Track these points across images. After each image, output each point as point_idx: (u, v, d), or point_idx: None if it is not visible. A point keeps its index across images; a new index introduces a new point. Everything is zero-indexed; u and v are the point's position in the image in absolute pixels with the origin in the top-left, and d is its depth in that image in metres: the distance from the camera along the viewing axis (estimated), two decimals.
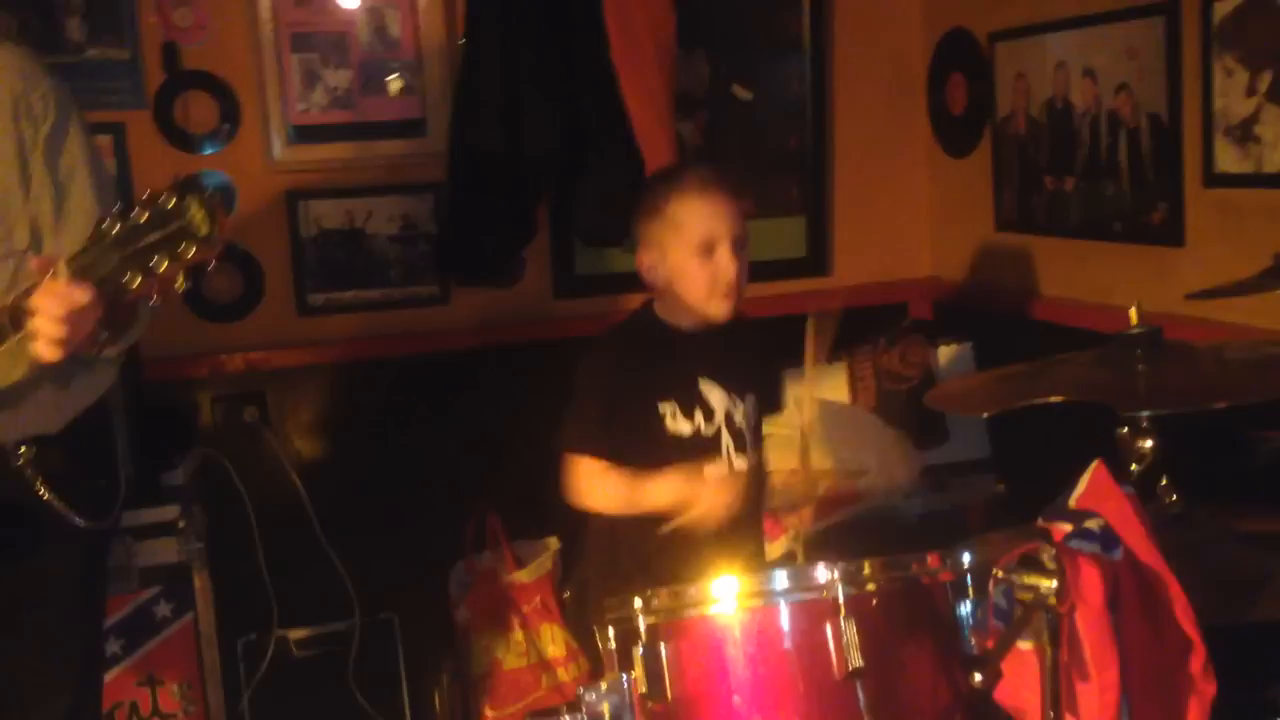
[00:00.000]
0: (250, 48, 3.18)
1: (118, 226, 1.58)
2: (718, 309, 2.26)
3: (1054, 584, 1.39)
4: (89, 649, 2.21)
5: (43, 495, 1.96)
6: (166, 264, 1.57)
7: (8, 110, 1.88)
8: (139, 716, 2.76)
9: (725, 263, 2.22)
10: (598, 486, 2.23)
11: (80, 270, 1.61)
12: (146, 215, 1.56)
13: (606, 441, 2.23)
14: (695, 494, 2.17)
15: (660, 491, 2.19)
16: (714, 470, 2.22)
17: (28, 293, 1.69)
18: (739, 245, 2.24)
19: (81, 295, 1.63)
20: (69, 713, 2.10)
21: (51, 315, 1.65)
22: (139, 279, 1.58)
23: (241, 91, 3.19)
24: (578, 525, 2.47)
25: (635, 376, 2.26)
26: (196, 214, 1.55)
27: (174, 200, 1.56)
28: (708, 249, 2.22)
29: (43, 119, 1.90)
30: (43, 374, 1.93)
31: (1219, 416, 1.61)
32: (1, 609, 2.06)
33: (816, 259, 3.65)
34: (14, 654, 2.07)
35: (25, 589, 2.03)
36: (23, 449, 1.96)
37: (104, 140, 3.04)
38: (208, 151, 3.20)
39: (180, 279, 1.61)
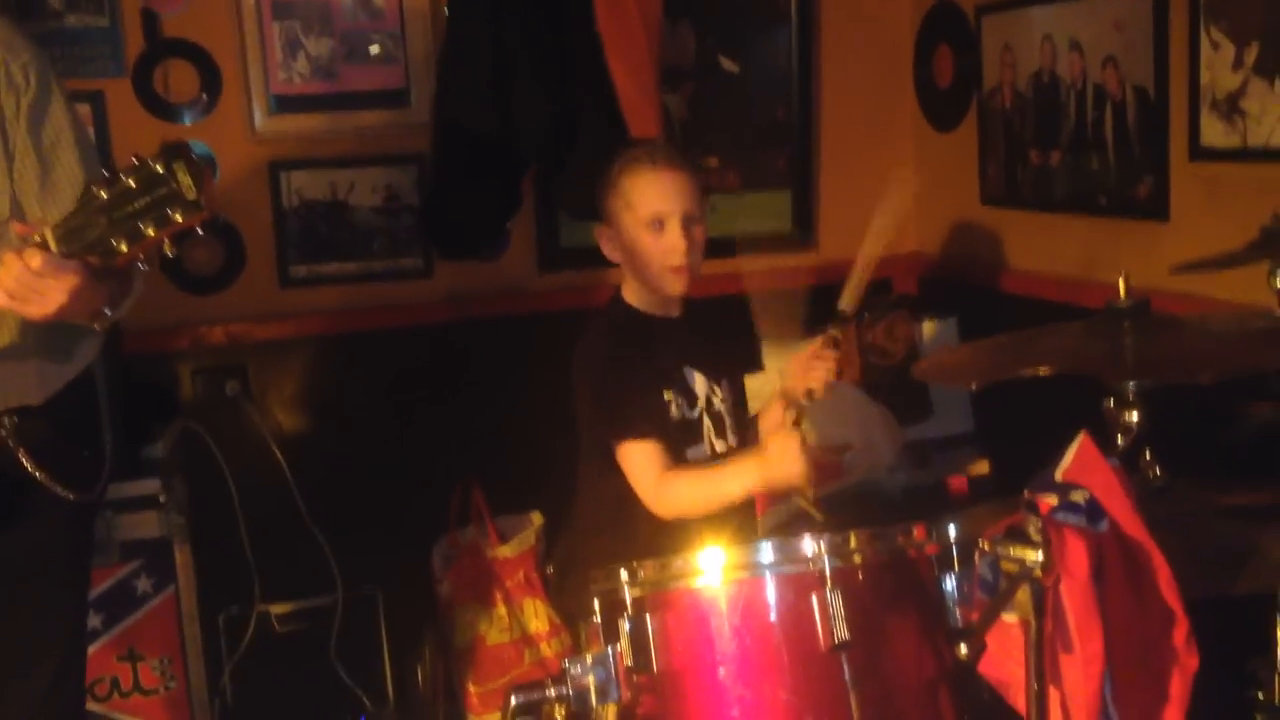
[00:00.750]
0: (231, 16, 3.14)
1: (105, 192, 1.58)
2: (671, 284, 2.26)
3: (1039, 556, 1.39)
4: (75, 619, 2.20)
5: (26, 467, 1.94)
6: (154, 229, 1.57)
7: None
8: (120, 691, 2.75)
9: (675, 239, 2.22)
10: (680, 487, 2.17)
11: (67, 235, 1.61)
12: (134, 181, 1.56)
13: (654, 422, 2.19)
14: (771, 470, 2.11)
15: (740, 479, 2.14)
16: (777, 437, 2.13)
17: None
18: (689, 221, 2.24)
19: (37, 260, 1.63)
20: (54, 680, 2.10)
21: (10, 274, 1.65)
22: (126, 244, 1.59)
23: (222, 60, 3.16)
24: (561, 499, 2.46)
25: (634, 366, 2.24)
26: (184, 179, 1.56)
27: (161, 166, 1.56)
28: (658, 224, 2.23)
29: (24, 89, 1.88)
30: (25, 345, 1.91)
31: (1204, 389, 1.61)
32: None
33: (802, 232, 3.64)
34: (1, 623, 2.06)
35: (11, 560, 2.03)
36: (5, 420, 1.94)
37: (82, 109, 2.98)
38: (188, 121, 3.16)
39: (168, 244, 1.61)
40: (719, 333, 2.38)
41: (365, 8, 3.24)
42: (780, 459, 2.09)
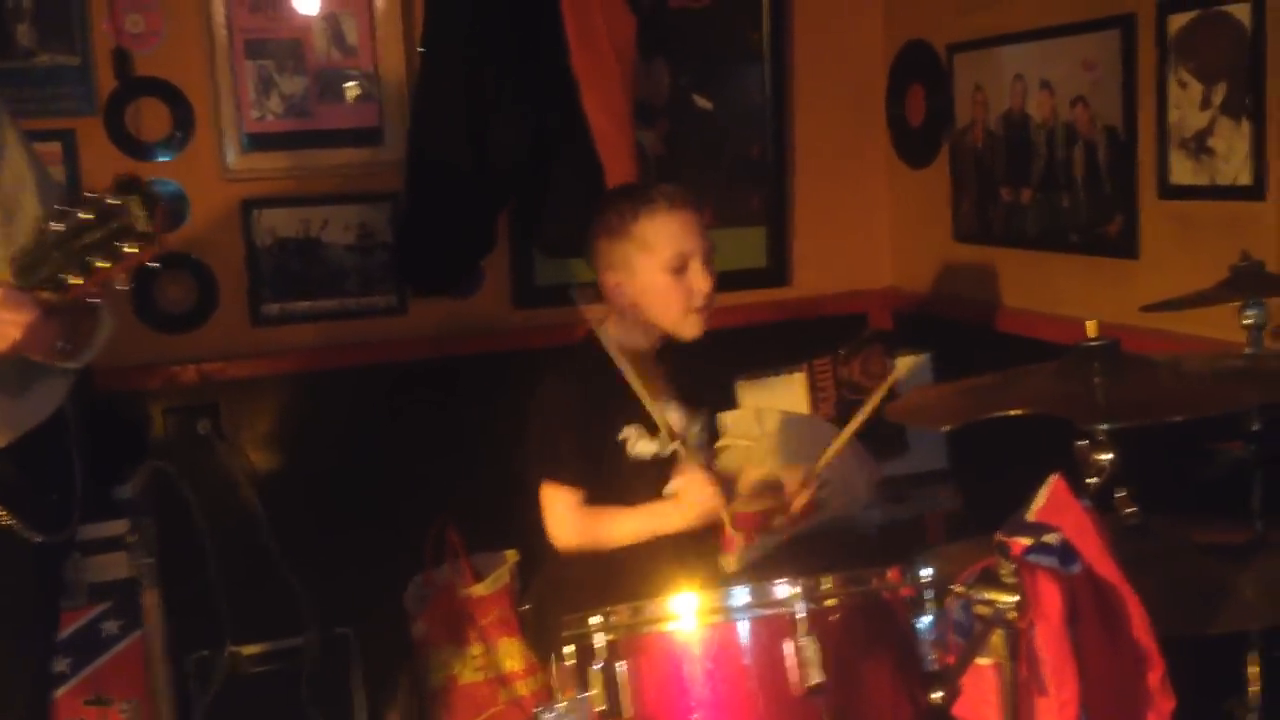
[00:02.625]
0: (204, 54, 3.13)
1: (59, 226, 1.57)
2: (692, 326, 2.26)
3: (1013, 599, 1.38)
4: (41, 663, 2.17)
5: None
6: (106, 261, 1.56)
7: None
8: None
9: (699, 278, 2.22)
10: (592, 525, 2.22)
11: (21, 270, 1.60)
12: (87, 214, 1.55)
13: (584, 470, 2.22)
14: (684, 510, 2.16)
15: (648, 520, 2.19)
16: (689, 479, 2.19)
17: None
18: (709, 259, 2.23)
19: (13, 302, 1.63)
20: None
21: None
22: (79, 277, 1.58)
23: (195, 98, 3.15)
24: (536, 538, 2.44)
25: (595, 406, 2.24)
26: (136, 211, 1.55)
27: (115, 198, 1.55)
28: (680, 267, 2.21)
29: None
30: None
31: (1177, 428, 1.61)
32: None
33: (776, 269, 3.65)
34: None
35: None
36: None
37: (53, 148, 2.99)
38: (160, 159, 3.15)
39: (123, 277, 1.60)
40: (695, 367, 2.37)
41: (339, 46, 3.24)
42: (690, 494, 2.15)
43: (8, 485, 1.95)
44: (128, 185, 1.57)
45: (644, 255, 2.22)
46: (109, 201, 1.55)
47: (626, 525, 2.21)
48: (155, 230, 1.56)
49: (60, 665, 2.62)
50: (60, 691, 2.62)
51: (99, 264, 1.56)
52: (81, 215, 1.56)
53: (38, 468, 2.02)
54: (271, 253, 3.25)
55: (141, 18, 3.09)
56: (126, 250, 1.56)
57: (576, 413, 2.23)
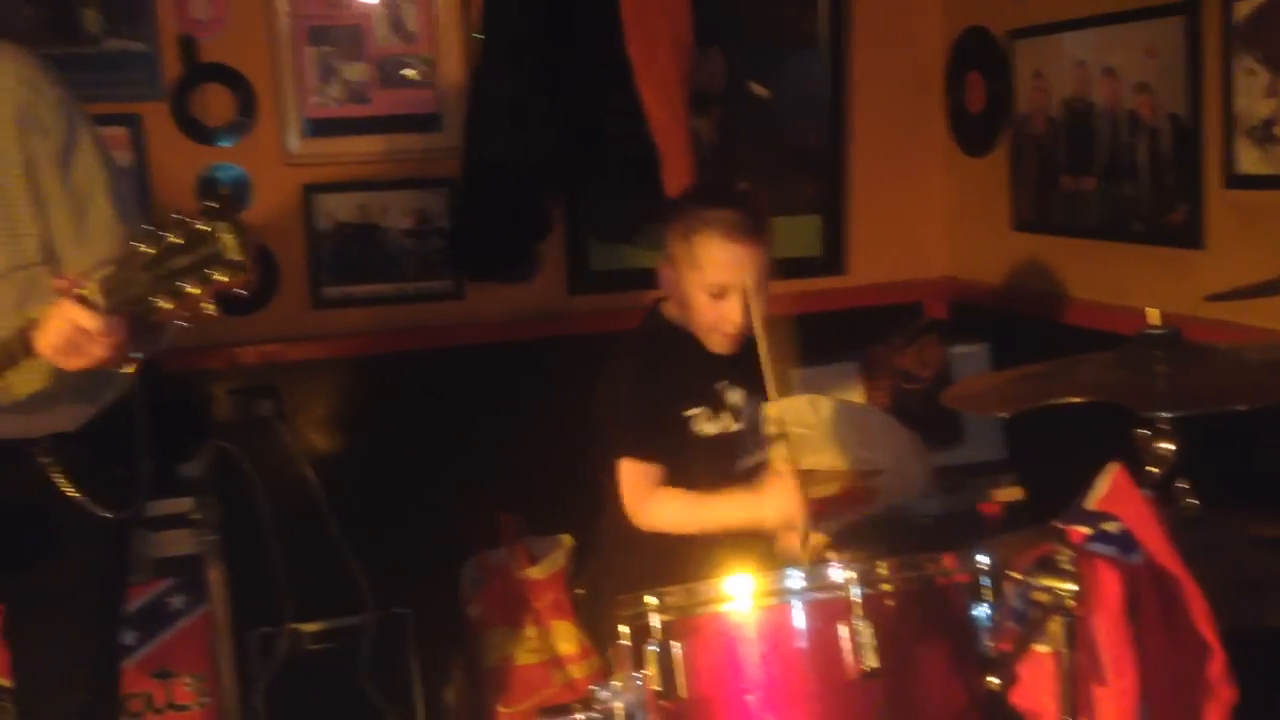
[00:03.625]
0: (267, 41, 3.18)
1: (149, 248, 1.57)
2: (718, 345, 2.28)
3: (1072, 587, 1.38)
4: (111, 637, 2.22)
5: (64, 489, 1.96)
6: (196, 287, 1.56)
7: (11, 122, 1.86)
8: (153, 709, 2.77)
9: (731, 311, 2.23)
10: (664, 507, 2.23)
11: (110, 291, 1.62)
12: (178, 238, 1.56)
13: (657, 445, 2.23)
14: (763, 508, 2.16)
15: (729, 511, 2.19)
16: (775, 480, 2.18)
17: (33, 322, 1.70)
18: (753, 292, 2.23)
19: (87, 320, 1.65)
20: (89, 698, 2.11)
21: (56, 330, 1.68)
22: (167, 302, 1.58)
23: (258, 84, 3.19)
24: (590, 522, 2.46)
25: (661, 382, 2.26)
26: (227, 239, 1.55)
27: (206, 225, 1.55)
28: (719, 294, 2.23)
29: (53, 131, 1.88)
30: (62, 382, 1.93)
31: (1238, 418, 1.60)
32: (26, 605, 2.08)
33: (832, 257, 3.64)
34: (36, 649, 2.09)
35: (49, 585, 2.05)
36: (42, 442, 1.96)
37: (120, 132, 3.05)
38: (224, 144, 3.20)
39: (210, 304, 1.60)
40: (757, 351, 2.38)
41: (399, 33, 3.27)
42: (775, 498, 2.13)
43: (78, 465, 1.99)
44: (219, 211, 1.57)
45: (691, 268, 2.24)
46: (199, 227, 1.55)
47: (704, 513, 2.21)
48: (246, 260, 1.56)
49: (127, 638, 2.67)
50: (126, 664, 2.65)
51: (188, 290, 1.56)
52: (171, 239, 1.56)
53: (105, 446, 2.07)
54: (331, 237, 3.29)
55: (207, 4, 3.14)
56: (216, 277, 1.56)
57: (646, 388, 2.24)
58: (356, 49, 3.25)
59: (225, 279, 1.56)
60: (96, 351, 1.70)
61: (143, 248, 1.58)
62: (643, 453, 2.23)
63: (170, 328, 1.87)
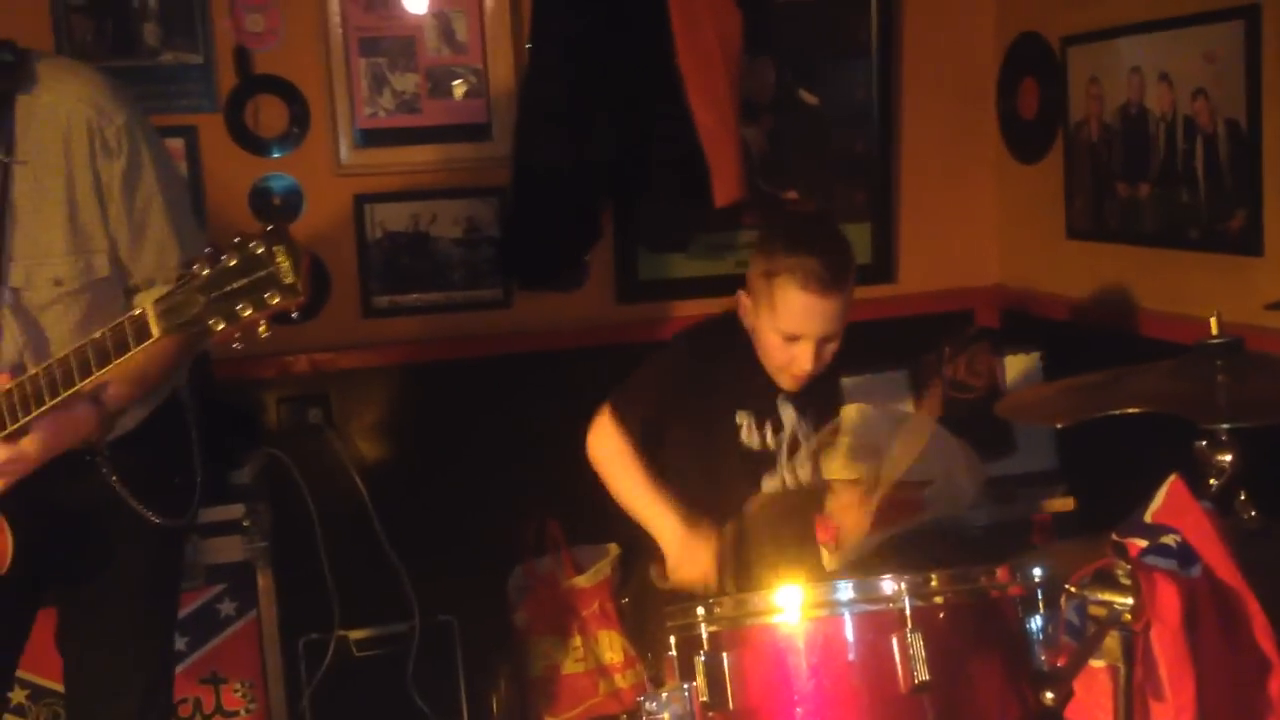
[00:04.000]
0: (320, 52, 3.21)
1: (206, 270, 1.59)
2: (785, 383, 2.29)
3: (1129, 600, 1.35)
4: (164, 642, 2.24)
5: (121, 493, 1.98)
6: (251, 310, 1.57)
7: (84, 144, 1.89)
8: (202, 713, 2.79)
9: (802, 357, 2.23)
10: (615, 459, 2.25)
11: (166, 312, 1.63)
12: (234, 260, 1.57)
13: (641, 430, 2.24)
14: (681, 551, 2.14)
15: (655, 520, 2.19)
16: (707, 546, 2.16)
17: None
18: (824, 343, 2.23)
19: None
20: (143, 702, 2.13)
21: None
22: (223, 323, 1.59)
23: (311, 95, 3.22)
24: (636, 530, 2.45)
25: (715, 381, 2.25)
26: (283, 262, 1.56)
27: (262, 248, 1.56)
28: (792, 339, 2.22)
29: (117, 153, 1.91)
30: None
31: None
32: (81, 610, 2.10)
33: (882, 265, 3.61)
34: (89, 655, 2.11)
35: (104, 590, 2.07)
36: (101, 447, 1.97)
37: (176, 143, 3.09)
38: (277, 155, 3.23)
39: (263, 325, 1.61)
40: (827, 372, 2.36)
41: (449, 43, 3.29)
42: (687, 556, 2.13)
43: (135, 470, 2.01)
44: (274, 235, 1.58)
45: (769, 309, 2.23)
46: (255, 250, 1.56)
47: (632, 494, 2.23)
48: (300, 282, 1.57)
49: (178, 644, 2.69)
50: (178, 669, 2.69)
51: (244, 313, 1.57)
52: (227, 261, 1.57)
53: (162, 453, 2.09)
54: (382, 246, 3.31)
55: (261, 17, 3.17)
56: (271, 301, 1.56)
57: (678, 381, 2.24)
58: (407, 60, 3.27)
59: (279, 302, 1.57)
60: (18, 470, 1.81)
61: (201, 270, 1.59)
62: (624, 413, 2.25)
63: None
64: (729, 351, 2.28)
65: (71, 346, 1.74)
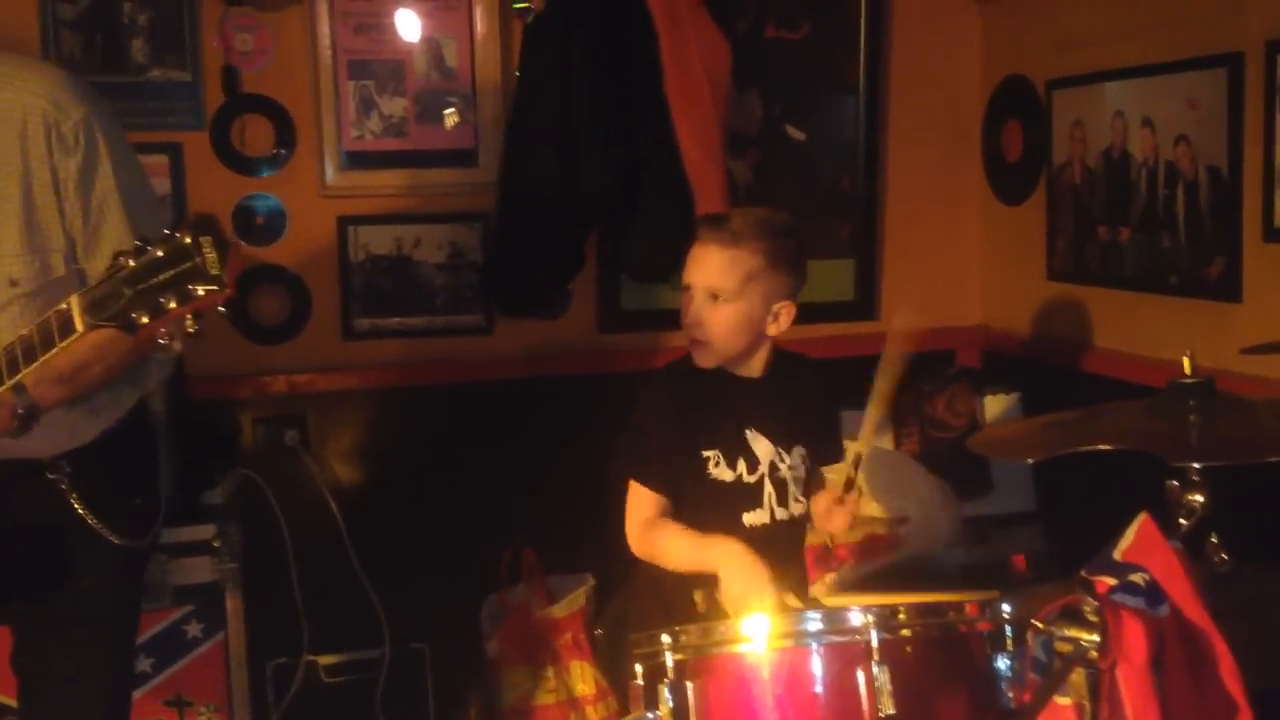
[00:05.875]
0: (309, 73, 3.21)
1: (132, 262, 1.56)
2: (693, 351, 2.26)
3: (1095, 638, 1.34)
4: (123, 664, 2.19)
5: (79, 512, 1.95)
6: (175, 302, 1.54)
7: (42, 140, 1.87)
8: None
9: (688, 310, 2.23)
10: (656, 537, 2.19)
11: (90, 306, 1.59)
12: (161, 253, 1.55)
13: (671, 477, 2.21)
14: (731, 571, 2.07)
15: (712, 558, 2.11)
16: (754, 564, 2.07)
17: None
18: (713, 298, 2.20)
19: None
20: None
21: None
22: (147, 316, 1.56)
23: (298, 116, 3.23)
24: (612, 562, 2.44)
25: (683, 419, 2.23)
26: (209, 254, 1.53)
27: (189, 239, 1.54)
28: (687, 292, 2.23)
29: (74, 149, 1.89)
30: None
31: (1271, 471, 1.56)
32: (36, 629, 2.06)
33: (864, 302, 3.62)
34: (48, 672, 2.07)
35: (63, 607, 2.03)
36: (59, 466, 1.96)
37: (159, 160, 3.09)
38: (262, 175, 3.23)
39: (189, 319, 1.57)
40: (795, 397, 2.34)
41: (438, 68, 3.30)
42: (740, 576, 2.04)
43: (92, 487, 1.98)
44: (201, 225, 1.55)
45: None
46: (182, 241, 1.54)
47: (681, 553, 2.16)
48: (227, 275, 1.54)
49: (143, 665, 2.67)
50: (141, 691, 2.66)
51: (168, 304, 1.54)
52: (154, 253, 1.55)
53: (123, 471, 2.06)
54: (364, 269, 3.31)
55: (250, 37, 3.18)
56: (196, 292, 1.54)
57: (668, 420, 2.22)
58: (396, 84, 3.28)
59: (204, 294, 1.54)
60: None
61: (127, 261, 1.56)
62: (655, 481, 2.21)
63: (152, 360, 1.86)
64: (693, 387, 2.27)
65: None
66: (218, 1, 3.09)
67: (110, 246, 1.89)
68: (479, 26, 3.29)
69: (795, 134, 3.53)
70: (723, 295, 2.20)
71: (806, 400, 2.35)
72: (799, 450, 2.31)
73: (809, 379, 2.38)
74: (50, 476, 1.96)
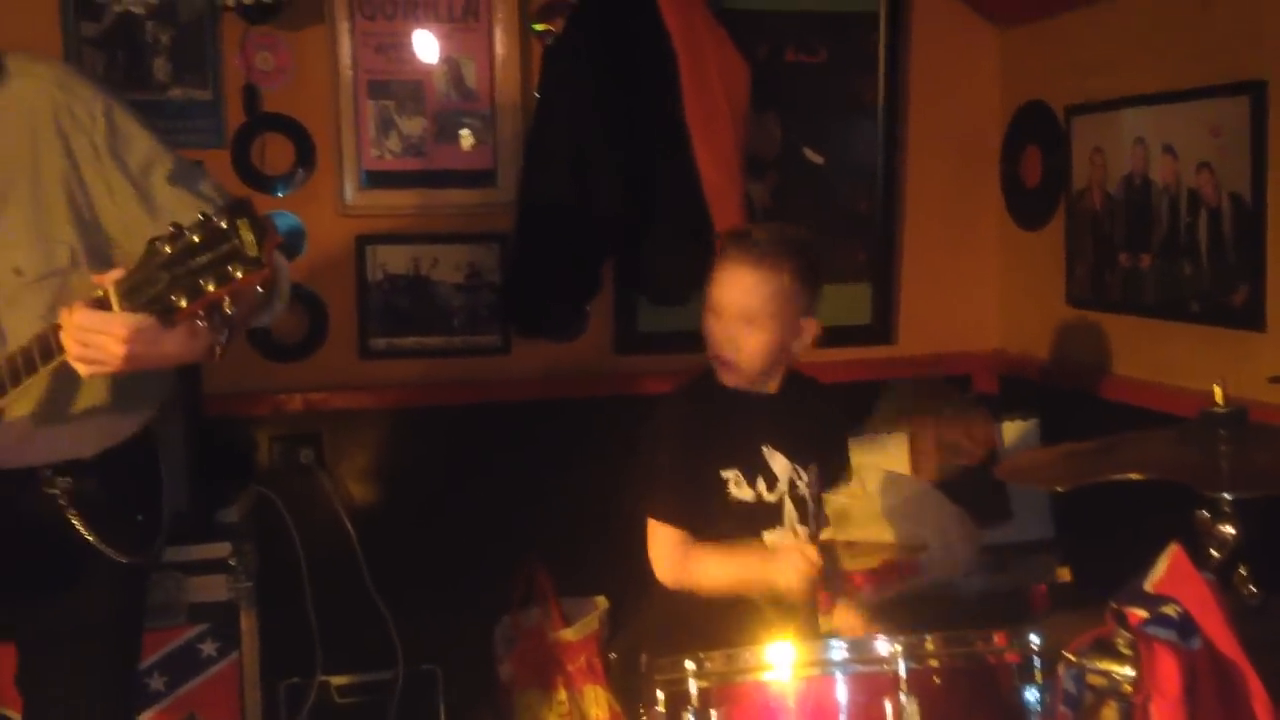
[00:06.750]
0: (329, 93, 3.22)
1: (169, 247, 1.56)
2: (720, 372, 2.25)
3: (1130, 671, 1.33)
4: (126, 681, 2.16)
5: (77, 528, 1.93)
6: (214, 285, 1.55)
7: (50, 128, 1.85)
8: None
9: (721, 331, 2.21)
10: (691, 565, 2.19)
11: (129, 291, 1.60)
12: (198, 236, 1.55)
13: (687, 508, 2.20)
14: (780, 571, 2.10)
15: (749, 569, 2.13)
16: (792, 547, 2.13)
17: (58, 325, 1.68)
18: (745, 321, 2.20)
19: (97, 320, 1.62)
20: None
21: (69, 333, 1.65)
22: (186, 299, 1.57)
23: (318, 135, 3.23)
24: (626, 584, 2.42)
25: (699, 440, 2.22)
26: (246, 236, 1.54)
27: (225, 221, 1.54)
28: (716, 313, 2.21)
29: (91, 126, 1.87)
30: (81, 399, 1.91)
31: None
32: (39, 647, 2.04)
33: (882, 326, 3.61)
34: (48, 690, 2.04)
35: (62, 623, 2.01)
36: (58, 480, 1.93)
37: None
38: (281, 193, 3.23)
39: (227, 301, 1.58)
40: (810, 416, 2.33)
41: (458, 89, 3.31)
42: (788, 565, 2.07)
43: (92, 504, 1.95)
44: (237, 208, 1.55)
45: (708, 291, 2.25)
46: (219, 224, 1.54)
47: (721, 571, 2.17)
48: (265, 255, 1.54)
49: (156, 683, 2.66)
50: (154, 709, 2.66)
51: (207, 287, 1.55)
52: (191, 237, 1.55)
53: (124, 488, 2.02)
54: (382, 288, 3.30)
55: (271, 56, 3.19)
56: (235, 274, 1.54)
57: (683, 445, 2.21)
58: (416, 104, 3.28)
59: (243, 276, 1.54)
60: (115, 350, 1.64)
61: (164, 246, 1.56)
62: (670, 515, 2.20)
63: (273, 303, 1.83)
64: (708, 407, 2.26)
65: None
66: (239, 20, 3.10)
67: (168, 205, 1.85)
68: (499, 48, 3.29)
69: (814, 157, 3.53)
70: (756, 316, 2.19)
71: (819, 420, 2.35)
72: (814, 468, 2.30)
73: (820, 400, 2.37)
74: (48, 490, 1.93)
